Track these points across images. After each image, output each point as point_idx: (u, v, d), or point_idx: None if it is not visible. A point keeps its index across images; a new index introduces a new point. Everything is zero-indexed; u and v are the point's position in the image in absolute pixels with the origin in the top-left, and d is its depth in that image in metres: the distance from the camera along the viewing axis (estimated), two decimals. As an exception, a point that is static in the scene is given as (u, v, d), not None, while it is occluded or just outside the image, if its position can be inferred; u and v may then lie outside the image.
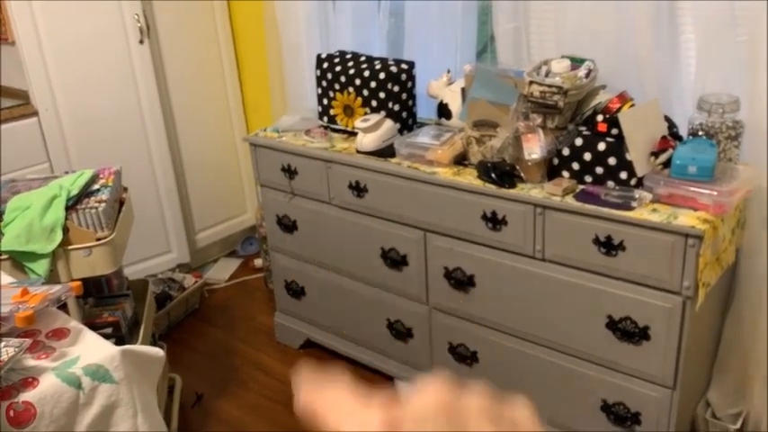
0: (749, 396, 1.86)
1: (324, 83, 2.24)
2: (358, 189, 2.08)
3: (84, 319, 1.92)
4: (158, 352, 1.30)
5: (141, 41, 2.66)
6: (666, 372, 1.65)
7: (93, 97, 2.62)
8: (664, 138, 1.69)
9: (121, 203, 1.98)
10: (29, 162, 2.48)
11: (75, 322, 1.30)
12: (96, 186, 1.91)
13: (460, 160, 1.93)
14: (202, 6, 2.89)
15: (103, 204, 1.83)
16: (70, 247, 1.78)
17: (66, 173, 2.04)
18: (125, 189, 2.06)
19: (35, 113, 2.51)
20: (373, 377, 2.35)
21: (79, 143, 2.62)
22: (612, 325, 1.68)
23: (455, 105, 2.08)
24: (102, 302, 2.07)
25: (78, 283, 1.38)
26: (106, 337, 1.88)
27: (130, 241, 2.01)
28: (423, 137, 2.01)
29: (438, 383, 0.38)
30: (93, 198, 1.86)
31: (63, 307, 1.66)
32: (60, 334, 1.25)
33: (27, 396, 1.12)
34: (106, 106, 2.66)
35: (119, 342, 1.84)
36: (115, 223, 1.88)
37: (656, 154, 1.66)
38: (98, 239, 1.81)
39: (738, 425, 1.87)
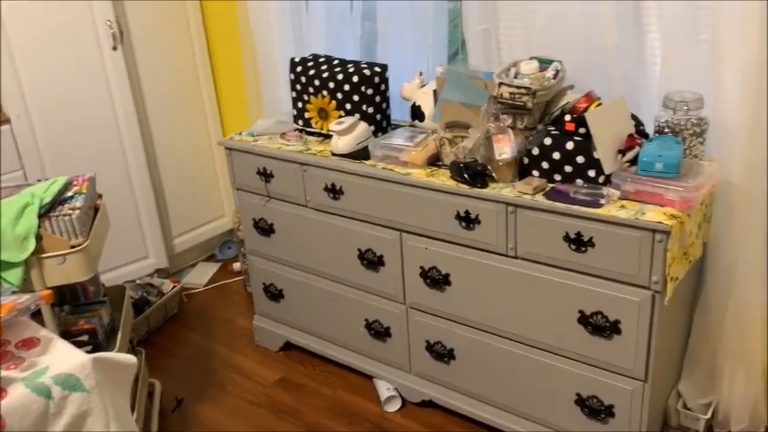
0: (719, 386, 1.90)
1: (298, 86, 2.25)
2: (334, 191, 2.09)
3: (60, 327, 1.90)
4: (130, 359, 1.30)
5: (114, 48, 2.65)
6: (638, 365, 1.68)
7: (66, 104, 2.60)
8: (630, 136, 1.73)
9: (96, 210, 1.97)
10: (1, 170, 2.46)
11: (45, 331, 1.30)
12: (70, 193, 1.90)
13: (434, 161, 1.95)
14: (175, 11, 2.88)
15: (77, 211, 1.82)
16: (44, 255, 1.76)
17: (39, 181, 2.03)
18: (100, 196, 2.05)
19: (7, 121, 2.48)
20: (352, 377, 2.36)
21: (53, 150, 2.60)
22: (584, 320, 1.71)
23: (428, 107, 2.10)
24: (79, 310, 2.06)
25: (48, 291, 1.38)
26: (82, 344, 1.88)
27: (107, 248, 2.00)
28: (397, 139, 2.02)
29: None
30: (66, 205, 1.85)
31: (39, 315, 1.65)
32: (30, 344, 1.24)
33: (-4, 407, 1.11)
34: (80, 113, 2.64)
35: (95, 349, 1.84)
36: (90, 230, 1.87)
37: (623, 152, 1.69)
38: (72, 247, 1.80)
39: (709, 414, 1.91)
